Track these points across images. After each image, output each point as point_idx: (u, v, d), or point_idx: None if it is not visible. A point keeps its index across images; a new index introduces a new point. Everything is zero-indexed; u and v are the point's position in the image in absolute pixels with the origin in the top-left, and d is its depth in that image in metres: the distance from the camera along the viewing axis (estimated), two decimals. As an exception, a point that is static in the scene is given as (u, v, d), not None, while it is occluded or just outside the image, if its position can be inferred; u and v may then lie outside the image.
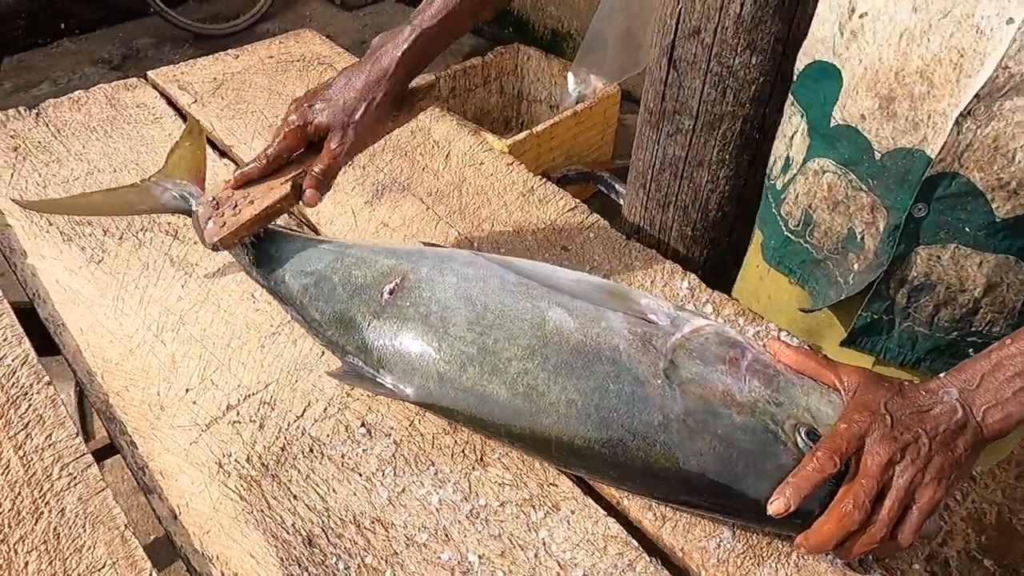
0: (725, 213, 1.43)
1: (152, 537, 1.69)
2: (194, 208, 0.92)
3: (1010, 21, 0.66)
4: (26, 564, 0.70)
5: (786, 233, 0.97)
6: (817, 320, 0.99)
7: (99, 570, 0.70)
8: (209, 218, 0.88)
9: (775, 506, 0.65)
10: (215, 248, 0.87)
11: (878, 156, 0.80)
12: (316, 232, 1.11)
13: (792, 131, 0.97)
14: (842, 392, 0.72)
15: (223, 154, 1.25)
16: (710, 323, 0.80)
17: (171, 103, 1.36)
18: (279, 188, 0.87)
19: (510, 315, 0.78)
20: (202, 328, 0.94)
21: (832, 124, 0.85)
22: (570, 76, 2.62)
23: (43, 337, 0.94)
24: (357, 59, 1.50)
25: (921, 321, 0.87)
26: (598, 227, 1.11)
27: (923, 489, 0.64)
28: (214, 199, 0.89)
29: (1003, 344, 0.67)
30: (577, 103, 2.50)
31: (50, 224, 1.07)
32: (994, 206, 0.75)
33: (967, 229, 0.78)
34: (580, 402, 0.73)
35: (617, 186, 2.40)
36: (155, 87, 1.40)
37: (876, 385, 0.69)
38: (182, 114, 1.33)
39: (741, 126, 1.31)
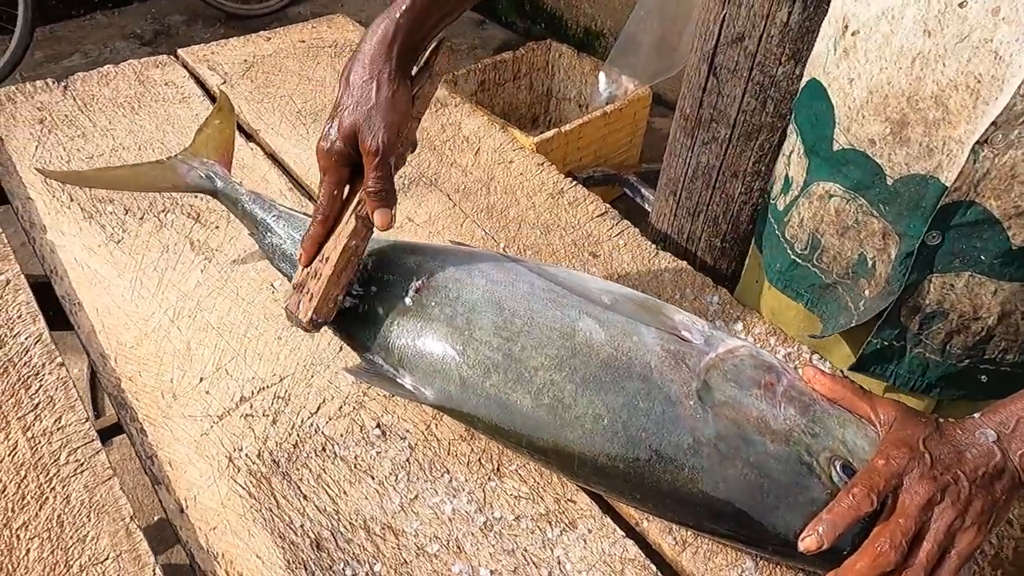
0: (756, 226, 1.40)
1: (157, 518, 1.68)
2: (283, 305, 0.79)
3: None
4: (27, 551, 0.68)
5: (793, 257, 0.95)
6: (823, 344, 0.97)
7: (102, 562, 0.68)
8: (298, 303, 0.77)
9: (807, 542, 0.62)
10: (315, 326, 0.76)
11: (890, 182, 0.78)
12: (340, 223, 1.08)
13: (790, 150, 0.96)
14: (877, 426, 0.69)
15: (249, 137, 1.23)
16: (745, 344, 0.77)
17: (200, 83, 1.34)
18: (346, 228, 0.77)
19: (539, 322, 0.76)
20: (219, 316, 0.92)
21: (836, 148, 0.83)
22: (601, 76, 2.59)
23: (58, 311, 0.93)
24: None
25: (933, 348, 0.84)
26: (628, 234, 1.08)
27: (963, 533, 0.61)
28: (294, 286, 0.80)
29: None
30: (607, 104, 2.46)
31: (71, 200, 1.06)
32: (1010, 234, 0.73)
33: (982, 257, 0.76)
34: (607, 418, 0.70)
35: (643, 190, 2.36)
36: (184, 66, 1.38)
37: (914, 421, 0.67)
38: (210, 94, 1.31)
39: (780, 138, 1.27)
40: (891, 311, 0.83)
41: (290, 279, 0.89)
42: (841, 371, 0.92)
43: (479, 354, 0.75)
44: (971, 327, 0.81)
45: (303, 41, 1.46)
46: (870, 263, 0.85)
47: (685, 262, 1.04)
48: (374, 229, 0.77)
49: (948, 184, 0.72)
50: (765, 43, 1.18)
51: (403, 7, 0.76)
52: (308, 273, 0.78)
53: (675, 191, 1.46)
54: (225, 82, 1.33)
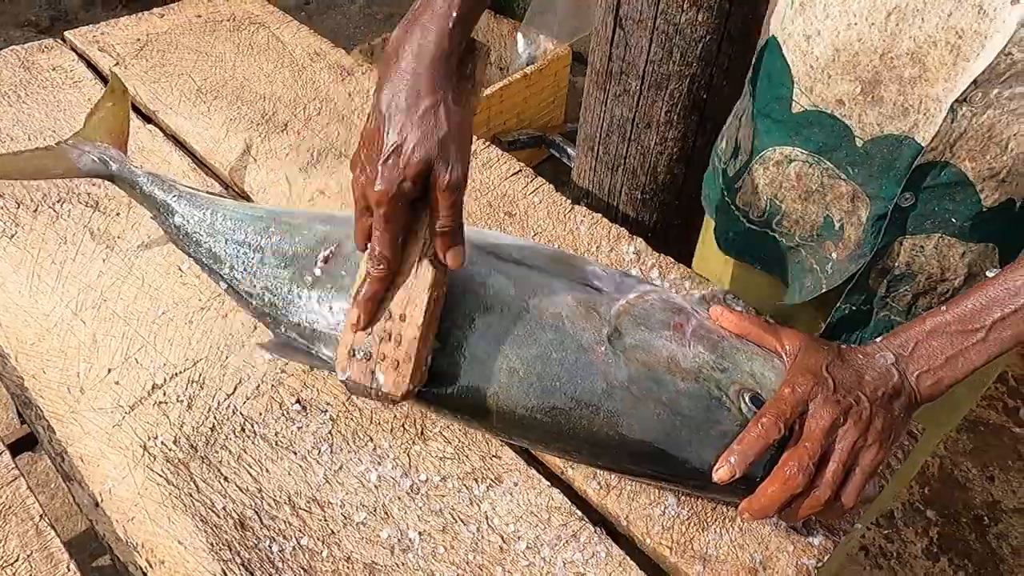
0: (675, 175, 1.42)
1: (84, 527, 1.63)
2: (342, 378, 0.68)
3: (1015, 1, 0.60)
4: (-70, 561, 0.65)
5: (748, 225, 0.93)
6: (788, 308, 0.95)
7: (12, 564, 0.65)
8: (372, 373, 0.67)
9: (720, 473, 0.64)
10: (408, 397, 0.68)
11: (860, 143, 0.76)
12: (248, 201, 1.05)
13: (741, 112, 0.93)
14: (784, 356, 0.71)
15: (147, 119, 1.18)
16: (655, 288, 0.78)
17: (91, 66, 1.28)
18: (420, 278, 0.67)
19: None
20: (125, 304, 0.89)
21: (797, 110, 0.80)
22: (519, 37, 2.57)
23: (-49, 318, 0.88)
24: (292, 20, 1.44)
25: (898, 310, 0.85)
26: (543, 191, 1.08)
27: (865, 451, 0.64)
28: (352, 353, 0.68)
29: (939, 311, 0.67)
30: (527, 65, 2.44)
31: (-43, 196, 1.00)
32: (982, 196, 0.72)
33: (954, 219, 0.75)
34: (522, 371, 0.71)
35: (569, 150, 2.37)
36: (73, 49, 1.31)
37: (816, 349, 0.69)
38: (103, 77, 1.25)
39: (688, 86, 1.28)
40: (860, 276, 0.82)
41: (201, 263, 0.87)
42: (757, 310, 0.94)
43: (391, 319, 0.74)
44: (937, 288, 0.81)
45: (199, 16, 1.40)
46: (837, 225, 0.82)
47: (600, 214, 1.05)
48: (453, 268, 0.68)
49: (924, 144, 0.70)
50: (666, -10, 1.19)
51: (453, 14, 0.65)
52: (374, 338, 0.68)
53: (593, 146, 1.47)
54: (118, 63, 1.27)
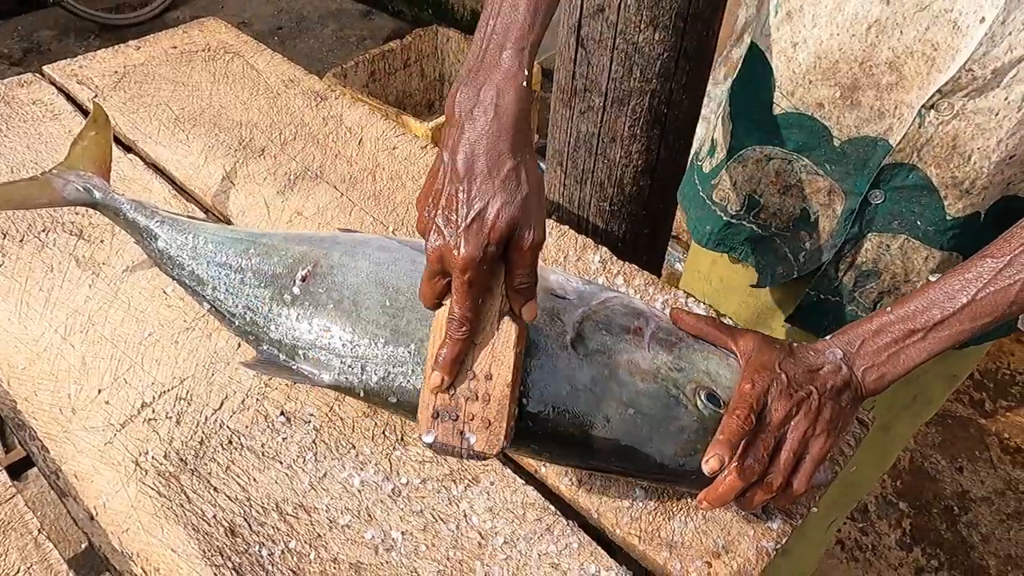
0: (640, 187, 1.47)
1: (84, 545, 1.65)
2: (428, 441, 0.69)
3: (982, 20, 0.66)
4: (-66, 577, 0.68)
5: (726, 218, 0.98)
6: (768, 301, 1.01)
7: (13, 576, 0.69)
8: (461, 433, 0.68)
9: (711, 463, 0.65)
10: (504, 451, 0.70)
11: (837, 143, 0.81)
12: (229, 224, 1.09)
13: (717, 113, 0.97)
14: (739, 355, 0.76)
15: (128, 149, 1.22)
16: (617, 295, 0.83)
17: (70, 98, 1.31)
18: (502, 336, 0.68)
19: (421, 296, 0.79)
20: (112, 327, 0.93)
21: (778, 112, 0.85)
22: (490, 57, 2.62)
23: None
24: (266, 48, 1.48)
25: (865, 307, 0.89)
26: (512, 206, 1.13)
27: (815, 440, 0.69)
28: (437, 414, 0.69)
29: (884, 312, 0.72)
30: (498, 83, 2.50)
31: (-56, 229, 1.03)
32: (946, 203, 0.77)
33: (919, 223, 0.80)
34: (491, 377, 0.75)
35: (541, 164, 2.42)
36: (52, 83, 1.35)
37: (769, 347, 0.73)
38: (82, 109, 1.29)
39: (649, 101, 1.34)
40: (828, 265, 0.86)
41: (184, 286, 0.91)
42: (715, 312, 0.99)
43: (368, 332, 0.79)
44: (901, 289, 0.86)
45: (175, 47, 1.44)
46: (813, 217, 0.88)
47: (567, 226, 1.10)
48: (528, 321, 0.70)
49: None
50: (624, 12, 1.25)
51: (524, 72, 0.65)
52: (456, 397, 0.69)
53: (561, 161, 1.52)
54: (97, 95, 1.31)
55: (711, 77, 1.46)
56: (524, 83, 0.65)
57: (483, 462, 0.79)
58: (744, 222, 0.96)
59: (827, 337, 0.74)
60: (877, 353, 0.71)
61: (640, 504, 0.78)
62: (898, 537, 1.89)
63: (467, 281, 0.64)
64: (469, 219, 0.62)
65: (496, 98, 0.64)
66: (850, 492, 1.20)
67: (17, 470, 0.95)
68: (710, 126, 1.00)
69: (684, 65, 1.31)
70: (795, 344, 0.74)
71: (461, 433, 0.68)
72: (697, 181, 1.03)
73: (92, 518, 0.75)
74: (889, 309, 0.72)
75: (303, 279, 0.83)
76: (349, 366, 0.79)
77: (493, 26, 0.66)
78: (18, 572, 0.69)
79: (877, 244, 0.84)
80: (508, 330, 0.69)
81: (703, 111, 1.22)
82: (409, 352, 0.77)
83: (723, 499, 0.68)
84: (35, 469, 0.90)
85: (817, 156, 0.84)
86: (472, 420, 0.68)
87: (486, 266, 0.64)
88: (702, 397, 0.73)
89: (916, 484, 2.00)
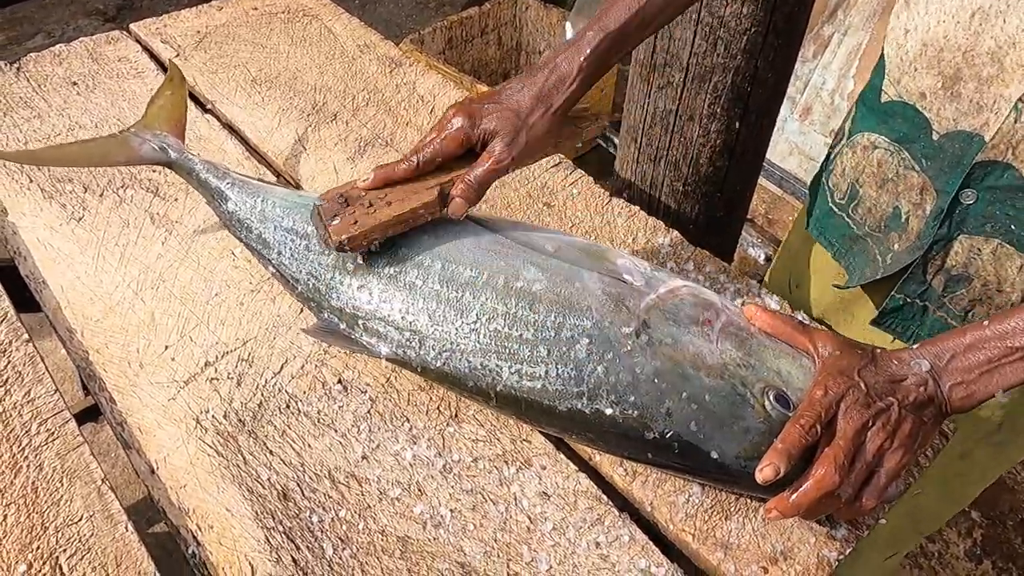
0: (717, 167, 1.42)
1: (142, 496, 1.73)
2: (315, 203, 0.82)
3: None
4: (4, 517, 0.71)
5: (831, 204, 0.95)
6: (850, 296, 0.96)
7: (76, 523, 0.71)
8: (336, 215, 0.79)
9: (765, 473, 0.63)
10: (340, 248, 0.78)
11: (936, 137, 0.77)
12: (299, 189, 1.10)
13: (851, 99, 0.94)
14: (815, 357, 0.72)
15: (205, 109, 1.23)
16: (686, 284, 0.79)
17: (153, 56, 1.34)
18: (424, 193, 0.79)
19: (484, 274, 0.78)
20: (182, 285, 0.95)
21: (884, 99, 0.82)
22: (568, 26, 2.57)
23: (23, 294, 0.95)
24: (344, 11, 1.48)
25: (955, 314, 0.84)
26: (582, 183, 1.10)
27: (891, 454, 0.65)
28: (342, 195, 0.81)
29: (980, 325, 0.67)
30: (575, 54, 2.45)
31: (30, 181, 1.07)
32: None
33: (1013, 227, 0.75)
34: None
35: (614, 138, 2.37)
36: (137, 40, 1.38)
37: (850, 352, 0.69)
38: (164, 68, 1.31)
39: (732, 78, 1.28)
40: (916, 266, 0.82)
41: (251, 248, 0.91)
42: (792, 309, 0.94)
43: (428, 308, 0.78)
44: (994, 299, 0.80)
45: (255, 8, 1.45)
46: (903, 217, 0.84)
47: (637, 207, 1.06)
48: (451, 214, 0.79)
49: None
50: (711, -16, 1.19)
51: (588, 49, 0.80)
52: (363, 198, 0.80)
53: (636, 138, 1.47)
54: (178, 55, 1.33)
55: (799, 55, 1.38)
56: (587, 50, 0.80)
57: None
58: (844, 215, 0.92)
59: (914, 346, 0.69)
60: (969, 369, 0.66)
61: (696, 501, 0.75)
62: (968, 547, 1.81)
63: (443, 138, 0.80)
64: (484, 116, 0.80)
65: (555, 59, 0.81)
66: (917, 525, 1.12)
67: (86, 417, 0.99)
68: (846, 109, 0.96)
69: (772, 41, 1.25)
70: (879, 351, 0.69)
71: (336, 215, 0.79)
72: (825, 164, 0.99)
73: (153, 471, 0.77)
74: (986, 323, 0.67)
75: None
76: (407, 340, 0.78)
77: (603, 10, 0.81)
78: (81, 519, 0.71)
79: (968, 247, 0.78)
80: (430, 195, 0.79)
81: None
82: (468, 331, 0.76)
83: (797, 509, 0.65)
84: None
85: (915, 150, 0.80)
86: (351, 215, 0.79)
87: (454, 131, 0.79)
88: (771, 398, 0.70)
89: (992, 494, 1.90)
